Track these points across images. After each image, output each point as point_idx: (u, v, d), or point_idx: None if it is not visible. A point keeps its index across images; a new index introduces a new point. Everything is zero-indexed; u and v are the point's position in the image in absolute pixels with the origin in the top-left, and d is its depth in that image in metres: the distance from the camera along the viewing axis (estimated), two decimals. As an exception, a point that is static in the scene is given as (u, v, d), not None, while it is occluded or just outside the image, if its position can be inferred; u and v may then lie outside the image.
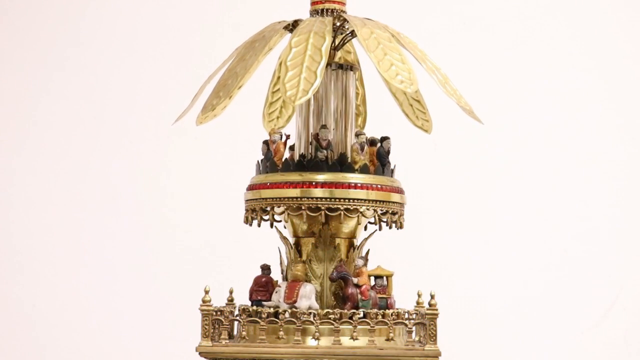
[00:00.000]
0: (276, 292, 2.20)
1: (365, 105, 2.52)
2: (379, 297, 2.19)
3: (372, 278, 2.23)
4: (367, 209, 2.16)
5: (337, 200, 2.14)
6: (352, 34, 2.26)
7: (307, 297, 2.15)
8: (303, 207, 2.15)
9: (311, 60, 1.99)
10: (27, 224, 3.64)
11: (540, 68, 3.66)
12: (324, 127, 2.20)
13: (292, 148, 2.29)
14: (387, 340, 2.13)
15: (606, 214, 3.61)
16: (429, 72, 2.13)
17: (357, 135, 2.21)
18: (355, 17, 2.17)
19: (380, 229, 2.25)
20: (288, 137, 2.24)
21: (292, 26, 2.25)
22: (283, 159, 2.22)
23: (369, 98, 2.53)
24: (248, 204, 2.25)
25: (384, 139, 2.25)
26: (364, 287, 2.17)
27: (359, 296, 2.16)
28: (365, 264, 2.21)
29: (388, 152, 2.24)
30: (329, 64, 2.24)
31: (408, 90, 2.01)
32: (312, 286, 2.17)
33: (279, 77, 2.25)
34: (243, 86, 2.16)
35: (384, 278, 2.22)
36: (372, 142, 2.26)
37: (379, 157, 2.22)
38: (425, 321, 2.11)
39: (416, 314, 2.21)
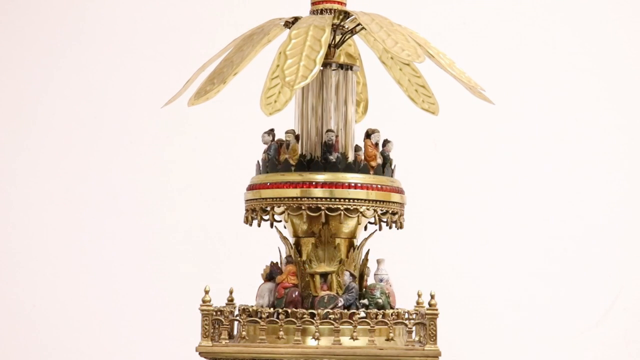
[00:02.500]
0: None
1: (367, 92, 2.52)
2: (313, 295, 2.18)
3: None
4: (367, 209, 2.16)
5: (337, 200, 2.14)
6: (352, 31, 2.26)
7: (261, 295, 2.21)
8: (303, 207, 2.15)
9: (310, 49, 1.99)
10: (27, 224, 3.64)
11: (539, 68, 3.66)
12: (267, 131, 2.24)
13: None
14: (387, 340, 2.13)
15: (606, 213, 3.61)
16: (435, 56, 2.13)
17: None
18: (355, 10, 2.18)
19: (380, 229, 2.25)
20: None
21: (292, 23, 2.25)
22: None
23: (371, 99, 2.53)
24: (248, 204, 2.25)
25: (328, 131, 2.23)
26: (279, 285, 2.19)
27: (276, 294, 2.19)
28: (290, 262, 2.22)
29: (327, 145, 2.20)
30: (329, 64, 2.24)
31: (416, 62, 2.01)
32: (267, 285, 2.21)
33: (277, 66, 2.26)
34: (238, 73, 2.16)
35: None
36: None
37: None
38: (425, 321, 2.11)
39: (416, 314, 2.21)
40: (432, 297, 2.11)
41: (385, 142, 2.27)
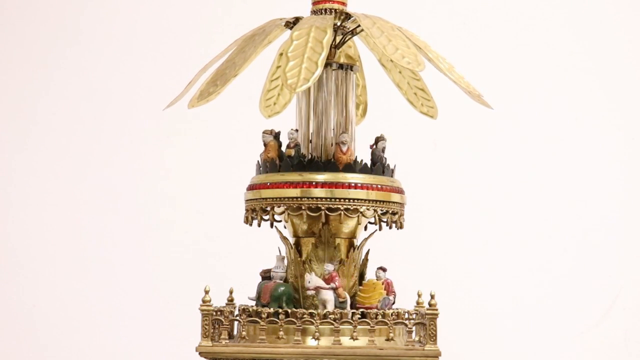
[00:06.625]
0: None
1: (366, 95, 2.52)
2: None
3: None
4: (367, 209, 2.16)
5: (337, 200, 2.14)
6: (353, 32, 2.26)
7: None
8: (303, 207, 2.15)
9: (312, 51, 1.99)
10: (27, 224, 3.64)
11: (540, 68, 3.66)
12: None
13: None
14: (387, 340, 2.13)
15: (606, 214, 3.61)
16: (435, 60, 2.13)
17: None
18: (357, 12, 2.18)
19: (380, 229, 2.25)
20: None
21: (293, 23, 2.25)
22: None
23: (371, 99, 2.53)
24: (248, 204, 2.25)
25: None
26: None
27: None
28: None
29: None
30: (329, 64, 2.24)
31: (416, 70, 2.01)
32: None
33: (278, 67, 2.24)
34: (239, 75, 2.16)
35: None
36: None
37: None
38: (425, 321, 2.11)
39: (416, 314, 2.22)
40: (432, 297, 2.11)
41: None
